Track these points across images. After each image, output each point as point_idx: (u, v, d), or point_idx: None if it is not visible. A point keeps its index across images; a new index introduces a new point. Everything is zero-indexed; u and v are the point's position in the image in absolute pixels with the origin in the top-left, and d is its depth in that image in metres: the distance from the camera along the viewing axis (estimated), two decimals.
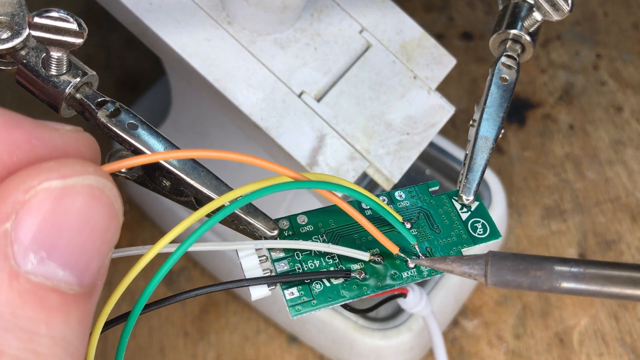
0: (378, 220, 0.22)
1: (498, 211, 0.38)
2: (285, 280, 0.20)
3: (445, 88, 0.30)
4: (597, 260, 0.18)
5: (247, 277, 0.20)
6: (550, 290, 0.17)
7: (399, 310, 0.35)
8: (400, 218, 0.21)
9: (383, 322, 0.35)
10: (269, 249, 0.21)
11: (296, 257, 0.21)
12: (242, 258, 0.21)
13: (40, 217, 0.13)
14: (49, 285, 0.14)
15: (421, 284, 0.22)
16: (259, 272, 0.21)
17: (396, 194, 0.23)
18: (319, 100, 0.28)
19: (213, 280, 0.40)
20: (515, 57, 0.26)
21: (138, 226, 0.41)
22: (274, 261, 0.21)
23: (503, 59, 0.26)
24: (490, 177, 0.39)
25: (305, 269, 0.21)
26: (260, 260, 0.20)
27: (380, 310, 0.28)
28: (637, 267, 0.17)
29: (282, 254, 0.21)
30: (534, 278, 0.17)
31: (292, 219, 0.22)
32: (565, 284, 0.17)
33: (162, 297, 0.40)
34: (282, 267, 0.20)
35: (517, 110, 0.48)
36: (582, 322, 0.39)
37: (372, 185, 0.39)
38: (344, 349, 0.35)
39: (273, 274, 0.21)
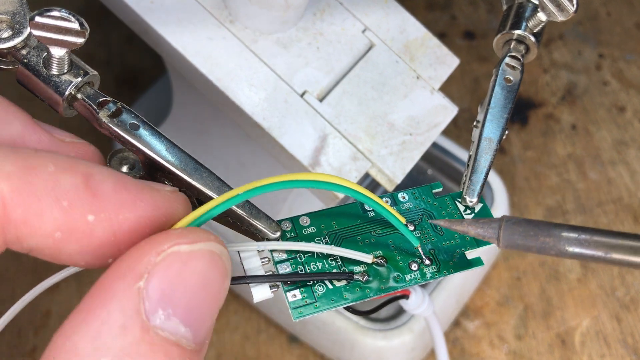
0: (381, 222, 0.22)
1: (500, 211, 0.38)
2: (287, 280, 0.20)
3: (447, 87, 0.30)
4: (605, 229, 0.19)
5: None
6: (557, 254, 0.19)
7: (401, 311, 0.35)
8: (403, 220, 0.21)
9: (384, 323, 0.35)
10: (271, 251, 0.21)
11: (299, 259, 0.21)
12: (244, 259, 0.20)
13: (169, 277, 0.15)
14: (172, 340, 0.15)
15: (423, 285, 0.22)
16: (260, 273, 0.20)
17: (399, 195, 0.23)
18: (321, 100, 0.28)
19: None
20: (520, 57, 0.26)
21: None
22: (276, 263, 0.20)
23: (507, 60, 0.26)
24: (493, 177, 0.39)
25: (308, 270, 0.20)
26: (262, 262, 0.20)
27: (382, 310, 0.27)
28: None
29: (284, 256, 0.21)
30: (543, 243, 0.19)
31: (294, 220, 0.21)
32: (572, 249, 0.18)
33: None
34: (285, 268, 0.20)
35: (519, 110, 0.48)
36: (583, 323, 0.39)
37: (374, 186, 0.38)
38: (345, 350, 0.35)
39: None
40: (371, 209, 0.22)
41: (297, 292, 0.20)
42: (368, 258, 0.21)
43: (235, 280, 0.20)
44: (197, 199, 0.21)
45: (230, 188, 0.21)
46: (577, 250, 0.18)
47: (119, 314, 0.15)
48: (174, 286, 0.15)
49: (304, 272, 0.20)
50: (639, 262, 0.18)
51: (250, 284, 0.20)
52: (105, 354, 0.14)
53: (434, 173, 0.41)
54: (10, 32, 0.20)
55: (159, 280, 0.15)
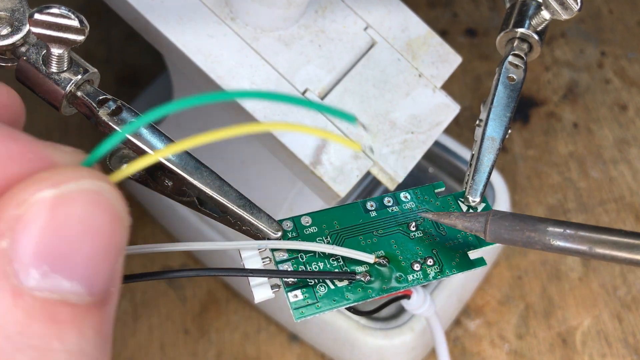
0: (383, 222, 0.22)
1: (502, 210, 0.38)
2: (288, 276, 0.20)
3: (448, 85, 0.30)
4: (590, 224, 0.19)
5: (250, 279, 0.20)
6: (543, 248, 0.19)
7: (401, 310, 0.35)
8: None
9: (385, 322, 0.35)
10: (272, 250, 0.21)
11: (300, 259, 0.20)
12: (245, 259, 0.20)
13: (37, 230, 0.13)
14: (56, 298, 0.13)
15: (424, 284, 0.22)
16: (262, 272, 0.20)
17: (401, 195, 0.23)
18: (322, 98, 0.28)
19: (214, 278, 0.40)
20: (523, 56, 0.26)
21: (139, 223, 0.41)
22: (277, 263, 0.20)
23: (510, 58, 0.26)
24: (494, 176, 0.39)
25: (309, 270, 0.20)
26: (263, 262, 0.20)
27: (382, 310, 0.27)
28: (624, 232, 0.18)
29: (285, 256, 0.20)
30: (528, 237, 0.19)
31: (295, 220, 0.21)
32: (557, 243, 0.19)
33: (162, 293, 0.40)
34: (286, 268, 0.20)
35: (521, 108, 0.47)
36: (585, 322, 0.39)
37: (375, 184, 0.38)
38: (346, 349, 0.35)
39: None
40: (373, 208, 0.22)
41: (298, 292, 0.20)
42: (370, 258, 0.20)
43: (236, 271, 0.20)
44: (198, 198, 0.21)
45: (232, 188, 0.20)
46: (562, 244, 0.19)
47: None
48: (47, 239, 0.13)
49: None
50: (623, 257, 0.18)
51: (251, 285, 0.20)
52: None
53: (436, 171, 0.41)
54: (10, 29, 0.20)
55: (26, 236, 0.13)
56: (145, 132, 0.20)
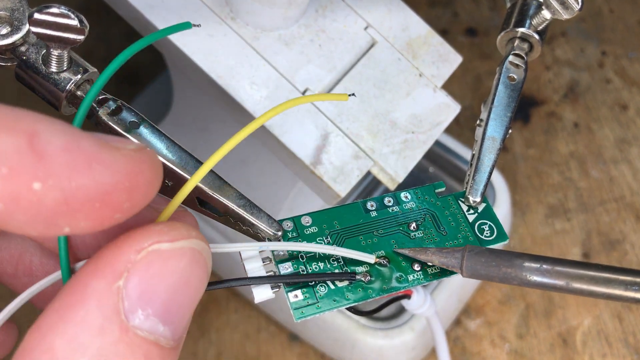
0: (383, 221, 0.22)
1: (502, 210, 0.38)
2: (288, 281, 0.20)
3: (448, 85, 0.29)
4: (568, 259, 0.19)
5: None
6: (520, 283, 0.19)
7: (401, 310, 0.35)
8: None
9: (385, 322, 0.35)
10: (273, 251, 0.20)
11: (300, 259, 0.20)
12: (245, 260, 0.20)
13: (150, 276, 0.15)
14: (151, 339, 0.15)
15: (424, 284, 0.22)
16: (262, 274, 0.20)
17: (402, 195, 0.23)
18: None
19: (214, 277, 0.40)
20: (523, 55, 0.26)
21: None
22: (277, 263, 0.20)
23: (511, 58, 0.26)
24: (494, 175, 0.39)
25: (310, 271, 0.20)
26: (263, 262, 0.20)
27: (383, 310, 0.27)
28: (601, 267, 0.19)
29: (286, 256, 0.20)
30: (505, 273, 0.19)
31: (296, 220, 0.21)
32: (534, 278, 0.19)
33: None
34: (286, 269, 0.20)
35: (521, 108, 0.47)
36: (585, 322, 0.39)
37: (375, 184, 0.38)
38: (346, 348, 0.35)
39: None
40: (374, 208, 0.22)
41: (298, 292, 0.20)
42: (370, 258, 0.20)
43: (236, 281, 0.20)
44: (198, 197, 0.21)
45: (233, 188, 0.20)
46: (539, 279, 0.19)
47: (97, 313, 0.14)
48: (154, 285, 0.15)
49: (305, 272, 0.20)
50: (600, 292, 0.18)
51: (251, 285, 0.20)
52: (82, 354, 0.14)
53: (436, 171, 0.41)
54: (9, 29, 0.20)
55: (139, 279, 0.15)
56: (146, 132, 0.20)
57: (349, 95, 0.22)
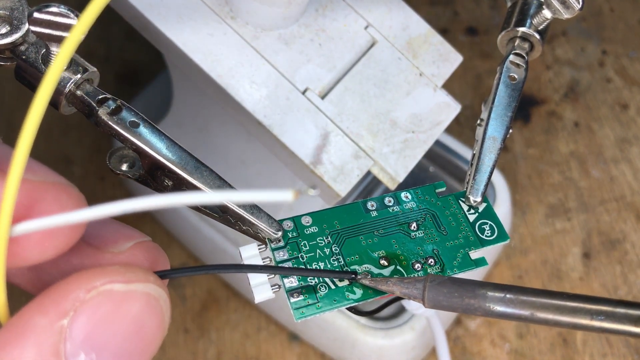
0: (383, 221, 0.22)
1: (502, 209, 0.38)
2: (287, 273, 0.20)
3: (449, 84, 0.29)
4: (533, 288, 0.19)
5: (250, 279, 0.20)
6: (484, 314, 0.18)
7: (402, 310, 0.35)
8: None
9: (385, 321, 0.35)
10: (273, 250, 0.20)
11: (300, 259, 0.20)
12: (245, 260, 0.20)
13: (98, 318, 0.14)
14: None
15: None
16: (262, 274, 0.20)
17: (402, 195, 0.23)
18: (323, 97, 0.27)
19: (214, 277, 0.40)
20: (524, 55, 0.26)
21: (138, 222, 0.41)
22: (277, 263, 0.20)
23: (511, 57, 0.26)
24: (494, 175, 0.39)
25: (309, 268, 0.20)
26: (264, 262, 0.20)
27: (383, 309, 0.27)
28: (567, 296, 0.18)
29: (286, 256, 0.20)
30: (468, 305, 0.18)
31: (296, 219, 0.21)
32: (498, 308, 0.18)
33: None
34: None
35: (521, 107, 0.47)
36: None
37: (375, 184, 0.38)
38: (346, 348, 0.35)
39: (277, 275, 0.20)
40: (374, 208, 0.22)
41: (299, 292, 0.20)
42: (288, 195, 0.17)
43: (233, 268, 0.19)
44: None
45: (232, 187, 0.20)
46: (502, 309, 0.18)
47: (34, 352, 0.13)
48: (103, 328, 0.14)
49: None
50: (566, 321, 0.18)
51: (251, 284, 0.20)
52: None
53: (436, 170, 0.41)
54: (9, 28, 0.20)
55: (85, 320, 0.14)
56: (145, 132, 0.20)
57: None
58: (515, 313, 0.18)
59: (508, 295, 0.18)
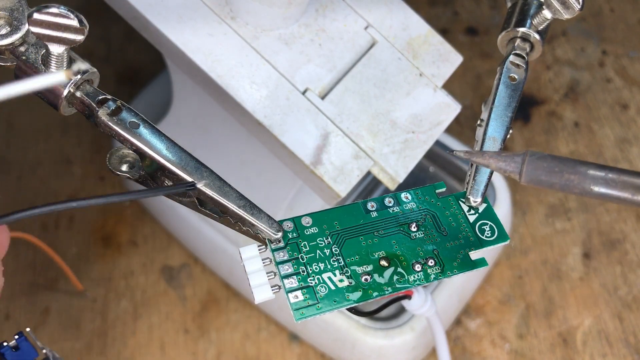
0: (383, 221, 0.22)
1: (502, 209, 0.38)
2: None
3: (449, 84, 0.29)
4: (634, 170, 0.18)
5: (250, 279, 0.20)
6: (581, 193, 0.18)
7: (402, 310, 0.35)
8: None
9: (386, 322, 0.35)
10: (273, 251, 0.20)
11: (300, 260, 0.20)
12: (245, 260, 0.20)
13: None
14: None
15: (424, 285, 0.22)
16: (262, 275, 0.20)
17: (402, 195, 0.23)
18: (323, 97, 0.27)
19: (214, 277, 0.40)
20: (524, 55, 0.26)
21: (138, 221, 0.41)
22: (277, 263, 0.20)
23: (511, 58, 0.26)
24: (495, 175, 0.39)
25: (310, 271, 0.20)
26: (264, 263, 0.20)
27: (383, 310, 0.27)
28: None
29: (286, 256, 0.20)
30: (567, 180, 0.18)
31: (296, 220, 0.21)
32: (598, 188, 0.17)
33: (162, 292, 0.40)
34: (287, 269, 0.20)
35: (521, 107, 0.47)
36: (585, 322, 0.39)
37: (375, 184, 0.38)
38: (346, 348, 0.35)
39: (277, 276, 0.20)
40: (374, 208, 0.22)
41: (299, 293, 0.20)
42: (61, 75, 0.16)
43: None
44: (198, 198, 0.21)
45: (232, 188, 0.20)
46: (602, 190, 0.17)
47: None
48: None
49: (306, 273, 0.20)
50: None
51: (251, 285, 0.20)
52: None
53: (436, 171, 0.41)
54: (9, 29, 0.20)
55: None
56: (145, 133, 0.20)
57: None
58: (615, 194, 0.17)
59: (610, 175, 0.17)
